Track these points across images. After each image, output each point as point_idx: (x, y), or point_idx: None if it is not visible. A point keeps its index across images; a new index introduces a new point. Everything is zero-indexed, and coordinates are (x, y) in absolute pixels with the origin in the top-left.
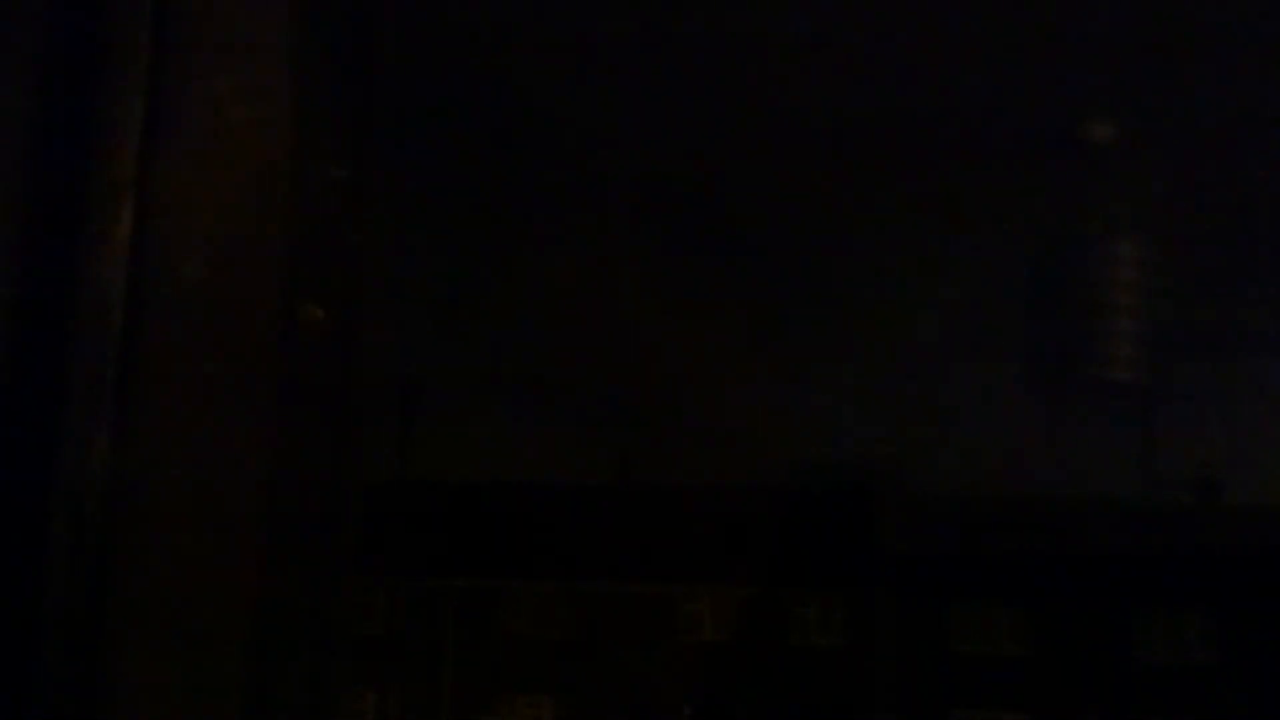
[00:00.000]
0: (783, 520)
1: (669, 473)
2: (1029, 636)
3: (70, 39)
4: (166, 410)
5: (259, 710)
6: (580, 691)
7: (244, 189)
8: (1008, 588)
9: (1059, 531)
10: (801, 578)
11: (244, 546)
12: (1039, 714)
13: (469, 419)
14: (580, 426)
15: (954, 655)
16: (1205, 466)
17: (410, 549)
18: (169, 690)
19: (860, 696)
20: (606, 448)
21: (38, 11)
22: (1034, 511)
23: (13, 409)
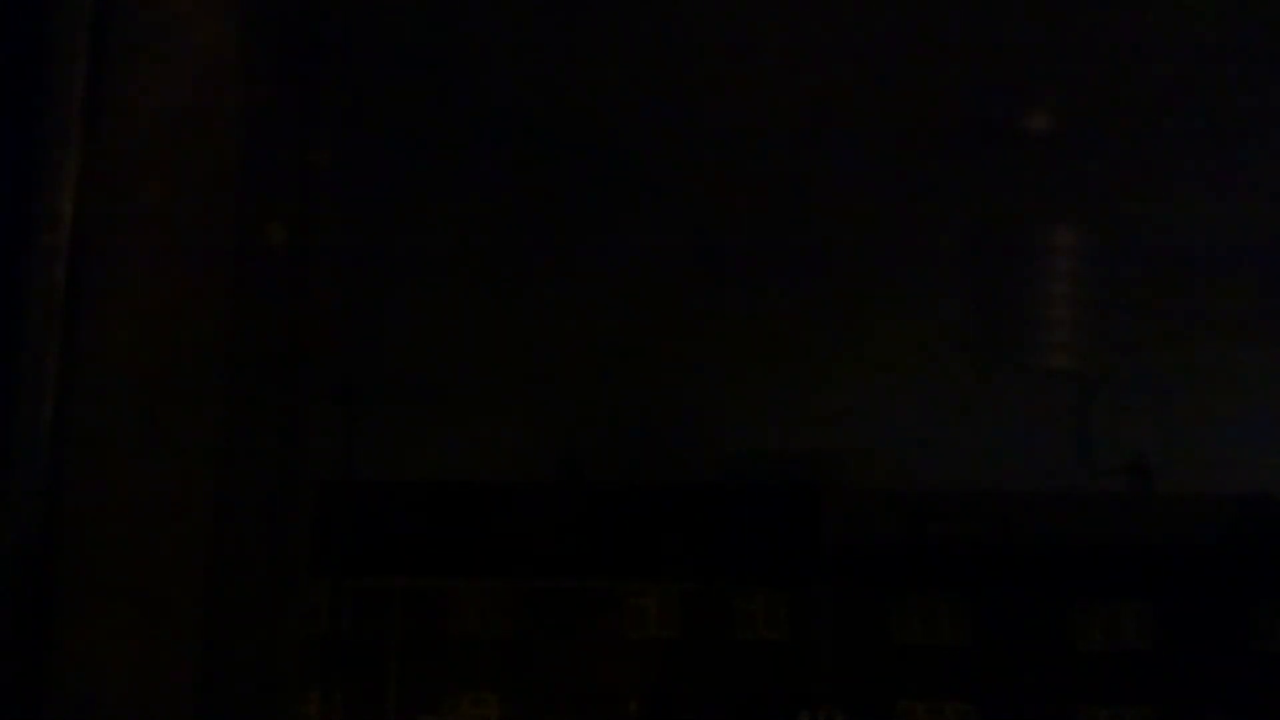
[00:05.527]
0: (726, 515)
1: (614, 470)
2: (969, 627)
3: (9, 40)
4: (113, 408)
5: (209, 705)
6: (526, 688)
7: (190, 186)
8: (948, 579)
9: (997, 522)
10: (746, 572)
11: (192, 542)
12: (981, 702)
13: (412, 418)
14: (526, 425)
15: (897, 646)
16: (1138, 454)
17: (353, 547)
18: (117, 685)
19: (805, 689)
20: (553, 447)
21: None
22: (972, 503)
23: None
